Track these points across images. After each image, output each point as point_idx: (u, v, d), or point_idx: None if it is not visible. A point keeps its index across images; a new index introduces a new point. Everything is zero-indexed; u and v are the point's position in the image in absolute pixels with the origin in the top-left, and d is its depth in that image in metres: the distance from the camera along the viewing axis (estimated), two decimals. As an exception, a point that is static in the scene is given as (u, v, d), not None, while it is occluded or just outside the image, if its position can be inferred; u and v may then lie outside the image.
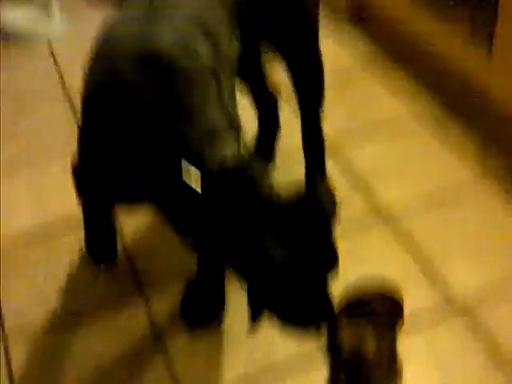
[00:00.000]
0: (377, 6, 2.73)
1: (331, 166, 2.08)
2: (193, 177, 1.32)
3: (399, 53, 2.62)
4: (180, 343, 1.69)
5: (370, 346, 1.40)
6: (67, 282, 1.86)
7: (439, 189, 2.07)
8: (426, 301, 1.77)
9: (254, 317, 1.34)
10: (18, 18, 2.90)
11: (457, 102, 2.37)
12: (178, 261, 1.69)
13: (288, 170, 2.10)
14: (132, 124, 1.37)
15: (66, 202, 1.78)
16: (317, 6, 1.80)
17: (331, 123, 2.10)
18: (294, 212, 1.30)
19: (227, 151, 1.33)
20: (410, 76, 2.52)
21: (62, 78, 2.62)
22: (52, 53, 2.78)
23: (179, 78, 1.37)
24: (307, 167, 2.03)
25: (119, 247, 1.90)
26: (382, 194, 2.06)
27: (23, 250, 1.93)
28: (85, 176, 1.61)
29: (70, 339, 1.72)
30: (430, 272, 1.84)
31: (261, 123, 2.13)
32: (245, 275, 1.32)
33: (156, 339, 1.70)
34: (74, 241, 1.92)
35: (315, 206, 1.31)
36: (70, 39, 2.85)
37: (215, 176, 1.30)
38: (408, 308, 1.57)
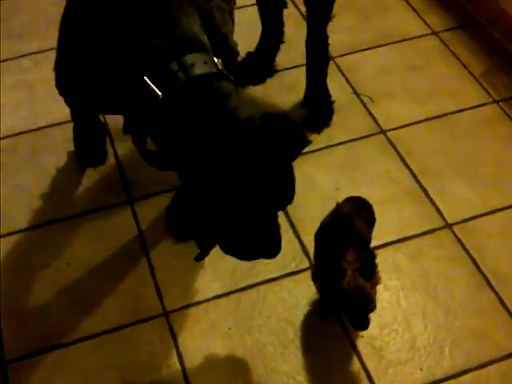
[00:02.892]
0: None
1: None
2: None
3: None
4: (164, 249, 1.75)
5: (350, 257, 1.48)
6: (56, 185, 1.92)
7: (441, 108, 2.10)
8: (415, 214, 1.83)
9: (202, 248, 1.31)
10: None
11: (466, 16, 2.39)
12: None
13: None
14: (110, 22, 1.34)
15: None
16: None
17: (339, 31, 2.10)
18: (255, 135, 1.26)
19: (198, 66, 1.29)
20: None
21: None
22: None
23: None
24: (308, 76, 2.03)
25: (110, 156, 1.97)
26: (385, 108, 2.09)
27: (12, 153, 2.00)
28: (62, 74, 1.58)
29: (57, 240, 1.77)
30: (421, 186, 1.89)
31: (265, 28, 2.13)
32: (195, 200, 1.28)
33: (141, 244, 1.76)
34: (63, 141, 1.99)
35: (282, 133, 1.28)
36: None
37: (184, 89, 1.28)
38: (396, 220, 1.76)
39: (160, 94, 1.28)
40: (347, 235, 1.55)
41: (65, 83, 1.59)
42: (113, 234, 1.79)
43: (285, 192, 1.30)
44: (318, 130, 2.02)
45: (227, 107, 1.28)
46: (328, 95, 2.06)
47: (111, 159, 1.97)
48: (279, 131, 1.28)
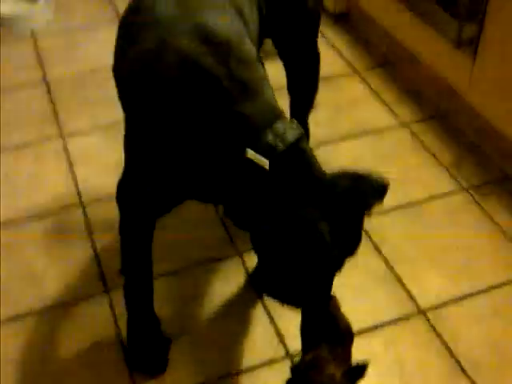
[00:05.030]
0: (363, 9, 2.83)
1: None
2: (256, 161, 1.26)
3: (383, 57, 2.75)
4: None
5: None
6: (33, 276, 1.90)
7: (412, 197, 2.15)
8: (388, 301, 1.85)
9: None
10: (2, 6, 2.95)
11: (436, 109, 2.48)
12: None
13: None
14: (193, 102, 1.26)
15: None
16: (318, 4, 1.85)
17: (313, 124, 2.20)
18: (343, 196, 1.28)
19: (288, 132, 1.29)
20: (392, 80, 2.63)
21: (42, 66, 2.72)
22: (35, 42, 2.87)
23: (235, 57, 1.30)
24: None
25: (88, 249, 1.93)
26: None
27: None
28: (135, 183, 1.45)
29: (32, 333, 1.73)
30: (394, 273, 1.92)
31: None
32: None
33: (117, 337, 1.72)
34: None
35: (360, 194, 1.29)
36: (54, 29, 2.96)
37: (282, 157, 1.27)
38: (370, 307, 1.74)
39: (267, 163, 1.26)
40: None
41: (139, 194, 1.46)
42: (89, 325, 1.80)
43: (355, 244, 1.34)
44: None
45: (318, 172, 1.31)
46: None
47: (89, 251, 2.00)
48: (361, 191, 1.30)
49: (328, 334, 1.52)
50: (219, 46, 1.30)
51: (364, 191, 1.29)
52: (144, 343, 1.68)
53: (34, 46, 2.86)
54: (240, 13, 1.46)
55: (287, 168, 1.27)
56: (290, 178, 1.27)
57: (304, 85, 1.99)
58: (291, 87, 2.00)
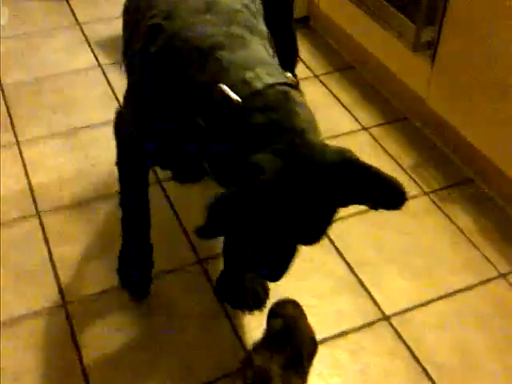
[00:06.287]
0: (324, 13, 2.82)
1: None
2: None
3: (343, 60, 2.74)
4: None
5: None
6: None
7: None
8: (352, 307, 1.83)
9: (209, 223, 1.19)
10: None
11: (396, 113, 2.48)
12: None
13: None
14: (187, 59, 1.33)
15: None
16: None
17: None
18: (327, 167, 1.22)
19: (273, 76, 1.28)
20: (350, 85, 2.62)
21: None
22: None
23: (236, 20, 1.38)
24: None
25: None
26: None
27: None
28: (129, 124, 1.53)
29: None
30: (357, 278, 1.91)
31: None
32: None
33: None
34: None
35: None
36: (9, 34, 2.88)
37: (259, 98, 1.24)
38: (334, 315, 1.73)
39: (239, 99, 1.24)
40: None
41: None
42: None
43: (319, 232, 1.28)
44: None
45: (300, 124, 1.24)
46: None
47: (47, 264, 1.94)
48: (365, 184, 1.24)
49: (287, 340, 1.50)
50: (221, 14, 1.39)
51: (359, 182, 1.23)
52: (132, 269, 1.82)
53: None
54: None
55: (262, 110, 1.23)
56: (263, 122, 1.22)
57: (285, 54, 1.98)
58: None
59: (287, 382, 1.43)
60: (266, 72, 1.29)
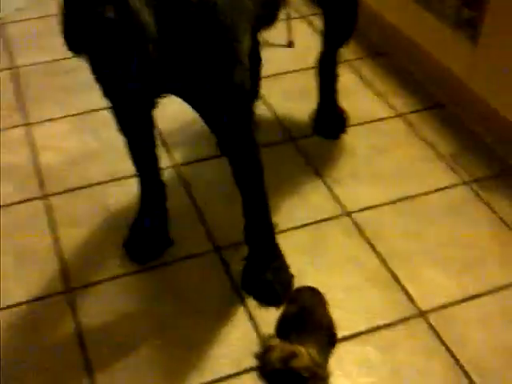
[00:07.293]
0: None
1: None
2: None
3: (374, 45, 2.60)
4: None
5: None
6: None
7: (408, 190, 1.98)
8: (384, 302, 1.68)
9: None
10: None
11: (434, 98, 2.32)
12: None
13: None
14: None
15: None
16: None
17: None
18: None
19: None
20: (387, 69, 2.48)
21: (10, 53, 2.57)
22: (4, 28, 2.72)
23: None
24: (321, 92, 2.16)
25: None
26: (350, 190, 1.98)
27: None
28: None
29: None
30: (390, 271, 1.75)
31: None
32: None
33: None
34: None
35: None
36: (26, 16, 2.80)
37: None
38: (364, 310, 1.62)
39: None
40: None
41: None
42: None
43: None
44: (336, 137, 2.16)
45: None
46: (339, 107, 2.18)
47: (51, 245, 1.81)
48: None
49: (301, 325, 1.43)
50: None
51: None
52: (143, 231, 1.77)
53: (1, 33, 2.68)
54: None
55: None
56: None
57: (341, 25, 2.03)
58: (328, 29, 2.02)
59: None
60: None
